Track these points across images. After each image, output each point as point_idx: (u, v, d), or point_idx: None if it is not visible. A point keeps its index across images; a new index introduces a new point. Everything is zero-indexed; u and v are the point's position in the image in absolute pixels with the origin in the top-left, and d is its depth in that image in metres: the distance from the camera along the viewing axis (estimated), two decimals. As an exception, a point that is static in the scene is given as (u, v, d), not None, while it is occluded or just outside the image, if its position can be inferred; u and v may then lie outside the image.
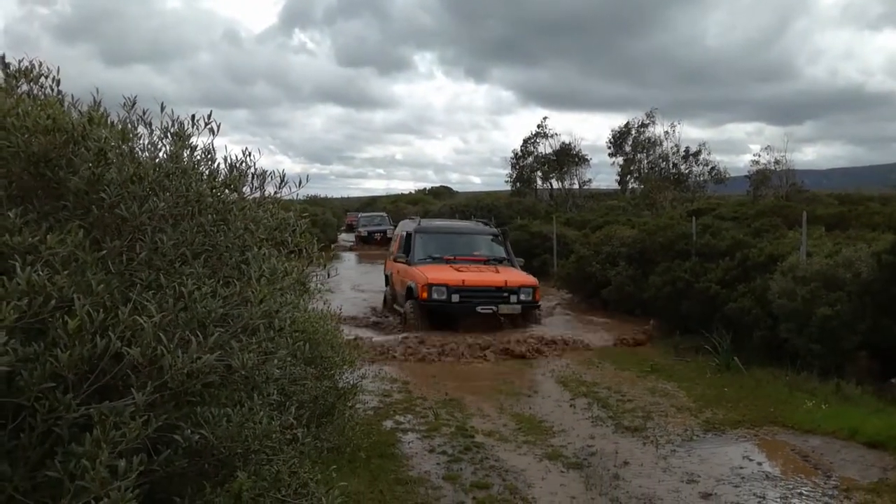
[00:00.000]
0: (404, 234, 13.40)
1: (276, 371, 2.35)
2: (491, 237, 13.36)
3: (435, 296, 10.78)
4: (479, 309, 10.78)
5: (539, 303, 11.62)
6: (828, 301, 8.06)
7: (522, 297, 11.11)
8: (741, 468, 5.37)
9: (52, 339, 1.84)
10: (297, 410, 2.85)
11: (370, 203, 54.96)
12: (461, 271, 11.31)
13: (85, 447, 1.72)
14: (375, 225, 36.19)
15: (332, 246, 32.22)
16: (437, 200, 47.77)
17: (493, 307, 10.85)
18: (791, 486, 5.00)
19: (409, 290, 11.36)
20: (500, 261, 12.47)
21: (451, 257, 12.01)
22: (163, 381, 1.88)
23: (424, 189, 66.52)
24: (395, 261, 12.79)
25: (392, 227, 34.10)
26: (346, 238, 38.27)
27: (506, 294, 11.03)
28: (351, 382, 5.06)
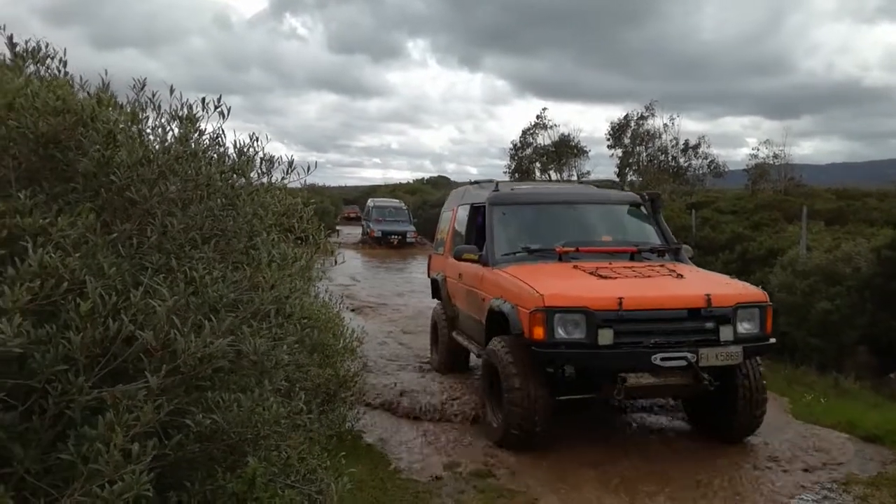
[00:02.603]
0: (466, 209, 7.46)
1: (285, 357, 2.34)
2: (628, 206, 7.13)
3: (563, 333, 5.02)
4: (658, 360, 4.96)
5: (772, 338, 5.47)
6: (827, 295, 8.09)
7: (743, 327, 5.26)
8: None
9: (65, 322, 1.83)
10: (292, 393, 2.84)
11: (370, 193, 53.95)
12: (605, 277, 5.45)
13: (98, 430, 1.71)
14: (391, 220, 26.93)
15: (338, 231, 27.69)
16: (435, 190, 47.57)
17: (689, 354, 4.97)
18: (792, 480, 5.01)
19: (496, 317, 5.75)
20: (660, 253, 6.42)
21: (570, 248, 6.05)
22: (175, 365, 1.87)
23: (422, 179, 66.24)
24: (456, 258, 6.73)
25: (413, 228, 26.86)
26: (344, 231, 31.91)
27: (710, 323, 5.17)
28: (352, 370, 5.07)
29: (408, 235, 26.18)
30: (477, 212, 7.11)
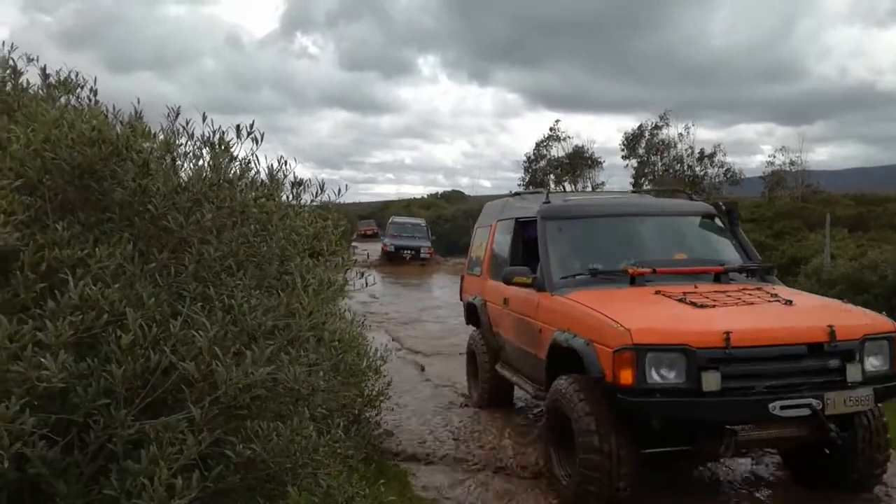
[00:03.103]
0: (508, 224, 6.53)
1: (321, 383, 2.32)
2: (700, 219, 6.07)
3: (656, 377, 4.09)
4: (777, 409, 4.02)
5: None
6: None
7: (872, 363, 4.36)
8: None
9: (105, 355, 1.81)
10: (330, 420, 2.81)
11: (384, 208, 54.10)
12: (701, 305, 4.45)
13: (142, 464, 1.69)
14: (407, 237, 26.49)
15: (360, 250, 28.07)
16: (449, 205, 47.64)
17: (814, 400, 4.05)
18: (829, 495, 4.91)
19: (561, 353, 4.77)
20: (748, 273, 5.46)
21: (646, 269, 5.11)
22: (216, 396, 1.85)
23: (436, 193, 66.27)
24: (505, 282, 5.63)
25: (429, 244, 26.61)
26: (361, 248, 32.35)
27: (835, 361, 4.26)
28: (376, 389, 5.05)
29: (422, 251, 25.55)
30: (523, 227, 6.26)
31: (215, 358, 1.84)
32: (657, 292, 4.75)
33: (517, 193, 7.15)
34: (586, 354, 4.33)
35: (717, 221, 5.98)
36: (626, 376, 4.02)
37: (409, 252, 25.30)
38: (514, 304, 5.85)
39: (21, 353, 1.62)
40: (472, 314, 7.13)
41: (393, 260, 24.88)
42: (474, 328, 7.17)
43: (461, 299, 7.63)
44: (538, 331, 5.25)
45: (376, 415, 5.19)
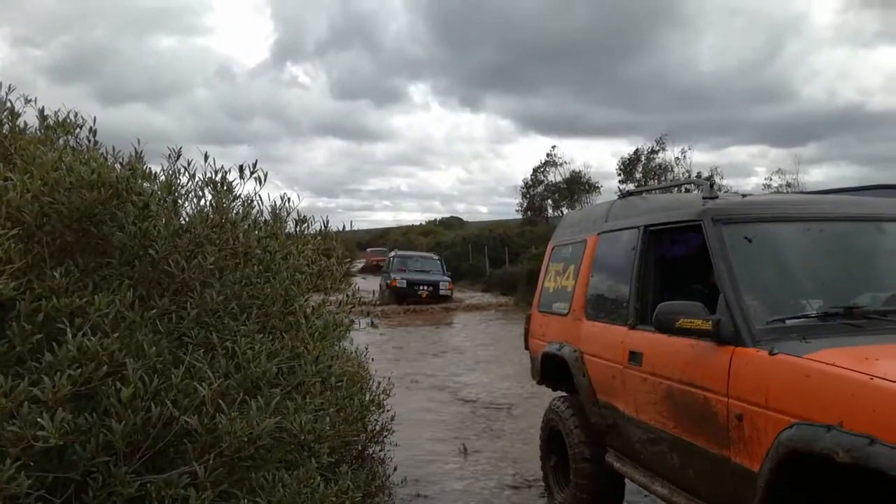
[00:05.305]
0: (628, 237, 4.11)
1: (327, 429, 2.24)
2: None
3: None
4: None
5: None
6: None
7: None
8: None
9: (105, 409, 1.74)
10: (338, 469, 2.72)
11: (382, 236, 54.22)
12: None
13: (143, 526, 1.61)
14: (418, 270, 21.88)
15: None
16: (448, 231, 47.72)
17: None
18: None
19: (809, 468, 2.32)
20: None
21: None
22: (220, 450, 1.77)
23: (435, 220, 66.36)
24: (660, 328, 3.09)
25: (448, 278, 21.76)
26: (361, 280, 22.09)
27: None
28: (380, 423, 4.94)
29: (441, 286, 20.72)
30: (657, 240, 4.00)
31: (218, 410, 1.77)
32: None
33: (629, 193, 4.70)
34: None
35: None
36: None
37: (424, 288, 20.25)
38: (662, 365, 3.52)
39: (17, 410, 1.54)
40: (555, 371, 4.76)
41: (401, 300, 19.97)
42: (554, 391, 4.98)
43: (526, 348, 5.45)
44: (734, 418, 2.92)
45: (380, 450, 5.08)
